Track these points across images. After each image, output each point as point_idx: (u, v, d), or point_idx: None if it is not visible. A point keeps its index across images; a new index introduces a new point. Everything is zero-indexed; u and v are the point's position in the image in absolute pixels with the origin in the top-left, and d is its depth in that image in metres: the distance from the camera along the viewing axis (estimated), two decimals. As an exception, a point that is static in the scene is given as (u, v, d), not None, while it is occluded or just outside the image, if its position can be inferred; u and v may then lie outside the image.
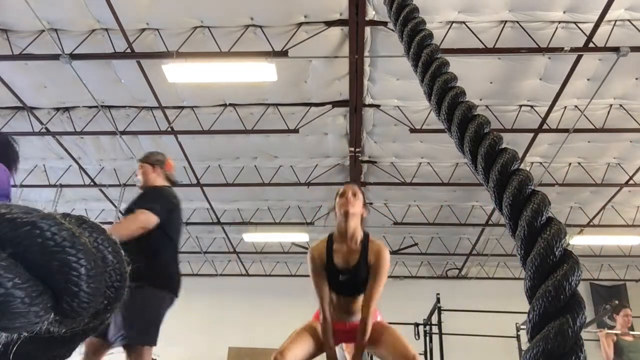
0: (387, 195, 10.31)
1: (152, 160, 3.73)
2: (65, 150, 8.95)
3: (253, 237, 11.68)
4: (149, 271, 2.93)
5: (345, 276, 2.79)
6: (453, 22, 6.38)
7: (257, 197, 10.58)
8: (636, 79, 7.11)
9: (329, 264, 2.83)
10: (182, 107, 8.09)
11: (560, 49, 6.25)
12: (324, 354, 2.83)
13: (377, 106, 7.85)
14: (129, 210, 3.26)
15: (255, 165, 9.50)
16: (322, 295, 2.82)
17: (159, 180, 3.61)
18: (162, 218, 3.17)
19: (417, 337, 8.48)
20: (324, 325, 2.78)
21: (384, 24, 6.33)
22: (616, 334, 6.01)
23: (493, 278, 13.24)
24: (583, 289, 12.39)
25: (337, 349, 2.90)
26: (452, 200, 10.45)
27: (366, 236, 2.89)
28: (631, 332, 6.12)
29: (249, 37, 6.58)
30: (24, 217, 0.40)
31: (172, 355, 11.00)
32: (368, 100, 7.75)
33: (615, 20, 6.21)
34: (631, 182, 9.06)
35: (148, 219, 3.11)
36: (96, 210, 11.07)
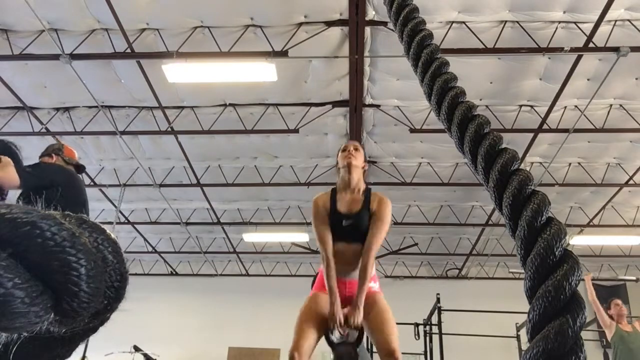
0: (387, 195, 10.17)
1: (49, 151, 3.81)
2: (65, 150, 8.95)
3: (253, 237, 11.68)
4: None
5: (349, 221, 2.84)
6: (453, 22, 6.38)
7: (257, 197, 10.58)
8: (636, 79, 7.11)
9: (332, 211, 2.88)
10: (182, 107, 8.09)
11: (560, 49, 6.25)
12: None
13: (377, 106, 7.85)
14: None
15: (255, 165, 9.50)
16: (325, 240, 2.83)
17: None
18: (26, 183, 3.17)
19: (417, 337, 8.48)
20: (328, 268, 2.79)
21: (384, 24, 6.33)
22: (616, 324, 6.05)
23: (493, 278, 13.23)
24: (583, 289, 12.38)
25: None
26: (452, 200, 10.45)
27: (368, 188, 2.99)
28: (629, 324, 6.14)
29: (249, 37, 6.58)
30: (24, 217, 0.40)
31: (172, 355, 11.01)
32: (368, 100, 7.75)
33: (615, 20, 6.21)
34: (631, 182, 9.06)
35: (10, 175, 3.06)
36: (96, 210, 11.07)
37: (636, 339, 5.90)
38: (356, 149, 2.99)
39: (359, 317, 2.69)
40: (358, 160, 2.95)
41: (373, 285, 2.86)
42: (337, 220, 2.86)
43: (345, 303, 2.81)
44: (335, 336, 2.75)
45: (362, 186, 2.96)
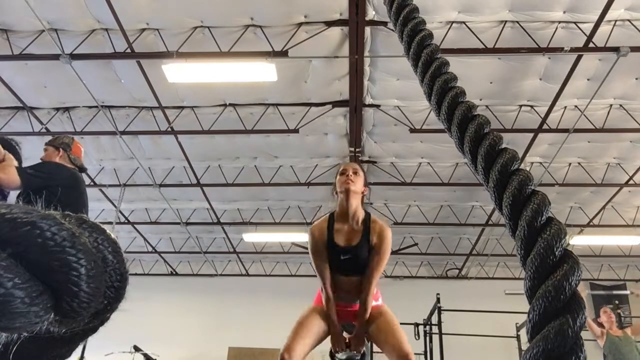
0: (387, 195, 10.31)
1: (57, 143, 3.66)
2: (65, 150, 8.95)
3: (253, 237, 11.68)
4: None
5: (347, 256, 2.74)
6: (453, 22, 6.38)
7: (257, 197, 10.58)
8: (636, 79, 7.11)
9: (330, 243, 2.77)
10: (182, 107, 8.09)
11: (560, 49, 6.25)
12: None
13: (377, 106, 7.85)
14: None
15: (255, 165, 9.50)
16: (324, 272, 2.77)
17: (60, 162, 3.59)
18: (27, 185, 3.13)
19: (417, 337, 8.49)
20: (327, 303, 2.76)
21: (384, 24, 6.33)
22: (607, 332, 6.08)
23: (493, 278, 13.23)
24: (585, 294, 12.37)
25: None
26: (452, 200, 10.45)
27: (368, 216, 2.83)
28: (620, 329, 6.17)
29: (249, 37, 6.58)
30: (24, 217, 0.40)
31: (172, 355, 11.00)
32: (368, 100, 7.75)
33: (615, 20, 6.21)
34: (631, 182, 9.06)
35: (10, 176, 3.04)
36: (96, 210, 11.07)
37: (627, 343, 5.93)
38: (355, 173, 2.81)
39: (361, 346, 2.75)
40: (357, 186, 2.77)
41: (375, 302, 2.86)
42: (336, 254, 2.76)
43: (349, 318, 2.84)
44: (340, 356, 2.80)
45: (361, 214, 2.80)
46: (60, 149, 3.63)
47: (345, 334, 2.89)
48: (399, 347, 2.60)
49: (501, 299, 10.39)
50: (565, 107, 7.66)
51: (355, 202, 2.76)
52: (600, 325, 6.23)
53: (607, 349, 6.07)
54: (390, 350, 2.64)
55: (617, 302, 7.37)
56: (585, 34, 6.23)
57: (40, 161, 3.60)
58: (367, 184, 2.92)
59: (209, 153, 9.14)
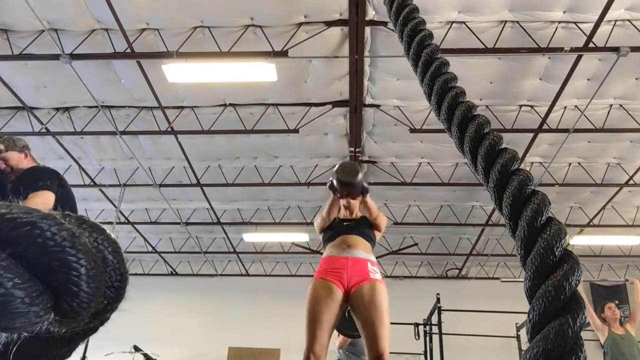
0: (387, 195, 10.31)
1: (19, 147, 3.34)
2: (65, 150, 8.96)
3: (253, 237, 11.68)
4: None
5: (350, 223, 3.15)
6: (453, 22, 6.38)
7: (257, 197, 10.58)
8: (636, 79, 7.11)
9: (335, 220, 3.22)
10: (182, 107, 8.09)
11: (560, 49, 6.25)
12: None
13: (377, 106, 7.85)
14: (16, 195, 2.93)
15: (255, 165, 9.50)
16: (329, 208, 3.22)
17: (32, 165, 3.35)
18: (57, 194, 3.05)
19: (417, 337, 8.49)
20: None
21: (384, 24, 6.33)
22: (609, 328, 6.07)
23: (493, 278, 13.23)
24: (583, 289, 12.37)
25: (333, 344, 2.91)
26: (452, 200, 10.45)
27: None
28: (622, 326, 6.15)
29: (249, 37, 6.58)
30: (24, 217, 0.40)
31: (172, 355, 11.00)
32: (368, 100, 7.75)
33: (615, 20, 6.21)
34: (631, 182, 9.06)
35: (49, 199, 2.94)
36: (96, 210, 11.07)
37: (629, 342, 5.91)
38: (349, 203, 3.28)
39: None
40: (354, 207, 3.27)
41: (374, 271, 2.85)
42: (340, 223, 3.16)
43: (349, 287, 2.80)
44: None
45: (360, 214, 3.28)
46: (27, 152, 3.37)
47: (344, 335, 2.90)
48: (377, 345, 2.57)
49: (501, 299, 10.37)
50: (565, 107, 7.66)
51: (356, 210, 3.27)
52: (604, 321, 6.22)
53: (607, 346, 6.05)
54: (368, 343, 2.62)
55: (617, 302, 7.35)
56: (585, 34, 6.23)
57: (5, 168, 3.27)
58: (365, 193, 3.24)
59: (209, 153, 9.14)
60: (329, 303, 2.73)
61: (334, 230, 3.10)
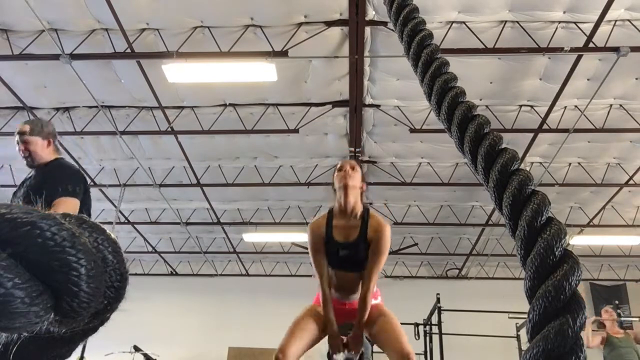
0: (387, 195, 10.31)
1: (44, 133, 3.03)
2: (65, 150, 8.95)
3: (253, 237, 11.68)
4: None
5: (345, 251, 2.74)
6: (453, 22, 6.38)
7: (257, 197, 10.58)
8: (636, 79, 7.11)
9: (328, 239, 2.77)
10: (182, 107, 8.09)
11: (560, 49, 6.25)
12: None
13: (377, 106, 7.85)
14: (37, 193, 2.78)
15: (255, 165, 9.50)
16: (321, 270, 2.77)
17: (54, 156, 3.07)
18: (80, 200, 2.86)
19: (417, 337, 8.48)
20: (324, 300, 2.74)
21: (384, 24, 6.33)
22: (607, 332, 6.09)
23: (493, 278, 13.23)
24: (583, 289, 12.39)
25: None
26: (452, 200, 10.45)
27: (366, 210, 2.82)
28: (620, 329, 6.17)
29: (249, 37, 6.58)
30: (24, 217, 0.40)
31: (172, 355, 11.00)
32: (368, 100, 7.74)
33: (615, 20, 6.21)
34: (631, 182, 9.06)
35: (74, 209, 2.75)
36: (96, 210, 11.03)
37: (627, 345, 5.94)
38: (353, 169, 2.79)
39: (359, 346, 2.73)
40: (355, 181, 2.75)
41: (375, 301, 2.86)
42: (334, 250, 2.77)
43: (348, 317, 2.82)
44: (337, 357, 2.80)
45: (359, 209, 2.79)
46: (51, 139, 3.06)
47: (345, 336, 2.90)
48: (401, 348, 2.60)
49: (501, 299, 10.37)
50: (565, 107, 7.66)
51: (353, 198, 2.74)
52: (602, 324, 6.23)
53: (607, 350, 6.07)
54: (391, 350, 2.64)
55: (617, 302, 7.36)
56: (585, 34, 6.22)
57: (29, 158, 3.02)
58: (365, 180, 2.92)
59: (209, 153, 9.14)
60: (318, 322, 2.77)
61: (330, 262, 2.80)
